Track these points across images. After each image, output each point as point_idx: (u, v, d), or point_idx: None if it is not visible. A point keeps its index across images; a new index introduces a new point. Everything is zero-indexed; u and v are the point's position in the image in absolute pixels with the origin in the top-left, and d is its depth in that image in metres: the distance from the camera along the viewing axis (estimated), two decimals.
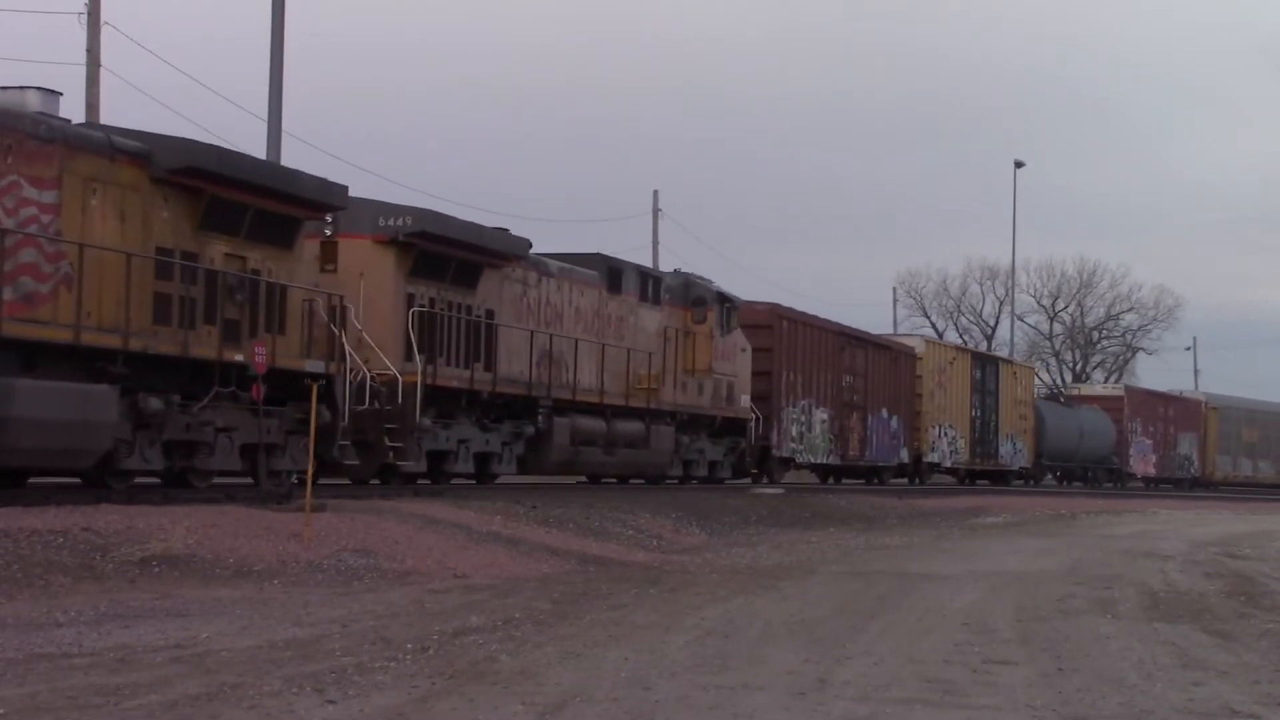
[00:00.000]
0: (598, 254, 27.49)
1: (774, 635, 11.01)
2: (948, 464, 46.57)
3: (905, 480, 44.09)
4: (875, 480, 41.46)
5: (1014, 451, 51.42)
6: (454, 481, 23.12)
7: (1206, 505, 44.68)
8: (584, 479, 28.88)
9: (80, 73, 30.42)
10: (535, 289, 24.82)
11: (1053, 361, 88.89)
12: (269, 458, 18.29)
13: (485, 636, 10.35)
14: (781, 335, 34.64)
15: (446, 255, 22.18)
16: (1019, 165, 67.18)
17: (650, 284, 28.90)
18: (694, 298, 29.98)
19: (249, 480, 18.44)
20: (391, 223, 21.18)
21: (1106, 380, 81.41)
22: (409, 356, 20.89)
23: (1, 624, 10.08)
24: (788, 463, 36.15)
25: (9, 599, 11.19)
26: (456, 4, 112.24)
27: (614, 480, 29.12)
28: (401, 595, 12.83)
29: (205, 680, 8.30)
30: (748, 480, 33.84)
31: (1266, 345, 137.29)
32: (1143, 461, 62.03)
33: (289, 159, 27.10)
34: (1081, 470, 58.14)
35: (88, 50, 30.32)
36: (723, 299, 31.03)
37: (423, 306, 21.60)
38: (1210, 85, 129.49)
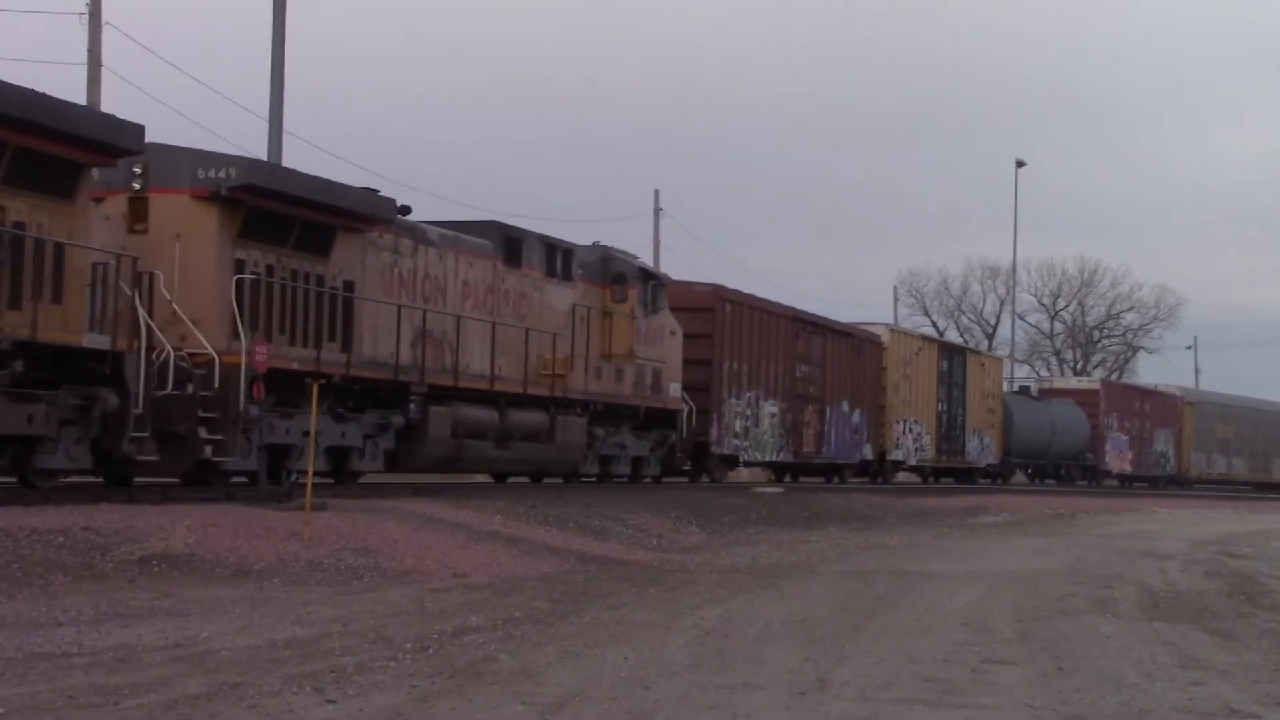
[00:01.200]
0: (493, 222, 24.38)
1: (773, 635, 11.02)
2: (913, 461, 43.86)
3: (868, 479, 41.37)
4: (836, 479, 38.94)
5: (981, 448, 48.88)
6: (299, 481, 18.43)
7: (1206, 505, 44.66)
8: (489, 478, 26.77)
9: (81, 73, 30.45)
10: (410, 259, 21.48)
11: (1054, 360, 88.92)
12: (34, 454, 15.33)
13: (485, 636, 10.36)
14: (724, 319, 31.38)
15: (287, 215, 18.94)
16: (1020, 165, 67.27)
17: (559, 257, 25.30)
18: (613, 274, 26.63)
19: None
20: (213, 174, 18.06)
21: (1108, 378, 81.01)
22: (236, 333, 17.79)
23: (1, 623, 10.09)
24: (731, 460, 32.87)
25: (9, 598, 11.19)
26: (457, 4, 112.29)
27: (526, 479, 26.69)
28: (401, 595, 12.83)
29: (205, 680, 8.30)
30: (685, 479, 31.30)
31: (1267, 345, 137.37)
32: (1119, 458, 59.69)
33: (289, 159, 27.12)
34: (1054, 467, 56.08)
35: (88, 50, 30.33)
36: (647, 276, 28.02)
37: (254, 274, 18.42)
38: (1210, 85, 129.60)
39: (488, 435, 22.89)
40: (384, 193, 21.15)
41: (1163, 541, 23.91)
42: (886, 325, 43.08)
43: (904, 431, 42.49)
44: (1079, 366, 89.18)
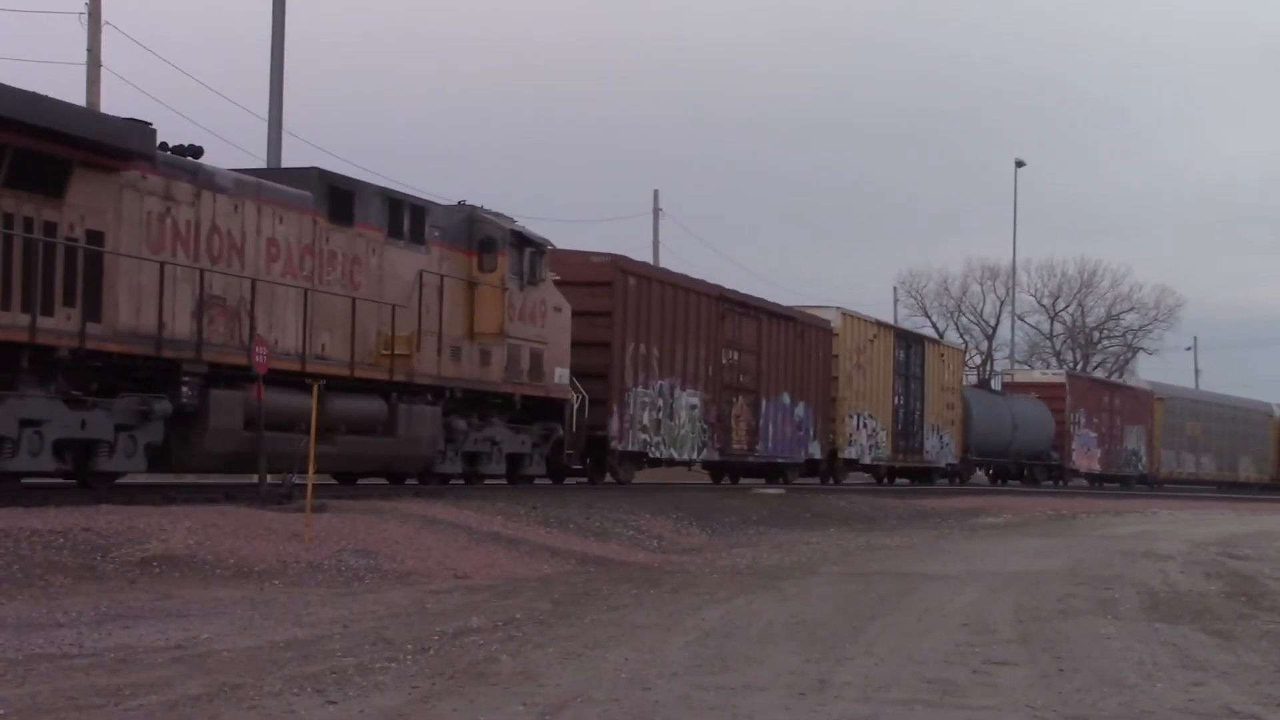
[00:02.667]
0: (313, 169, 20.08)
1: (774, 636, 11.01)
2: (867, 460, 40.00)
3: (817, 480, 38.15)
4: (780, 480, 35.66)
5: (940, 446, 45.18)
6: (26, 480, 16.35)
7: (1205, 505, 44.65)
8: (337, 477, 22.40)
9: (80, 73, 30.49)
10: (190, 208, 17.51)
11: (1054, 361, 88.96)
12: None
13: (486, 637, 10.35)
14: (626, 295, 27.21)
15: None
16: (1019, 165, 67.34)
17: (406, 215, 21.14)
18: (481, 238, 22.69)
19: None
20: None
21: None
22: None
23: (1, 624, 10.09)
24: (637, 458, 28.63)
25: (9, 599, 11.19)
26: (457, 4, 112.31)
27: (382, 479, 23.14)
28: (402, 596, 12.83)
29: (206, 681, 8.30)
30: (583, 480, 27.73)
31: (1267, 345, 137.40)
32: (1086, 456, 56.00)
33: (289, 158, 27.12)
34: (1016, 467, 52.46)
35: (88, 50, 30.35)
36: (523, 242, 23.64)
37: None
38: (1210, 85, 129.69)
39: (298, 427, 18.05)
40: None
41: (1163, 542, 23.91)
42: (838, 309, 38.59)
43: (858, 427, 39.07)
44: (1079, 368, 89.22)
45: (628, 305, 27.27)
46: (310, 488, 16.03)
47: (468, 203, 23.28)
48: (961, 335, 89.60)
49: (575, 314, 25.31)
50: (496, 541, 17.08)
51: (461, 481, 23.25)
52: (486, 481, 23.91)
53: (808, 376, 35.87)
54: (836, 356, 37.45)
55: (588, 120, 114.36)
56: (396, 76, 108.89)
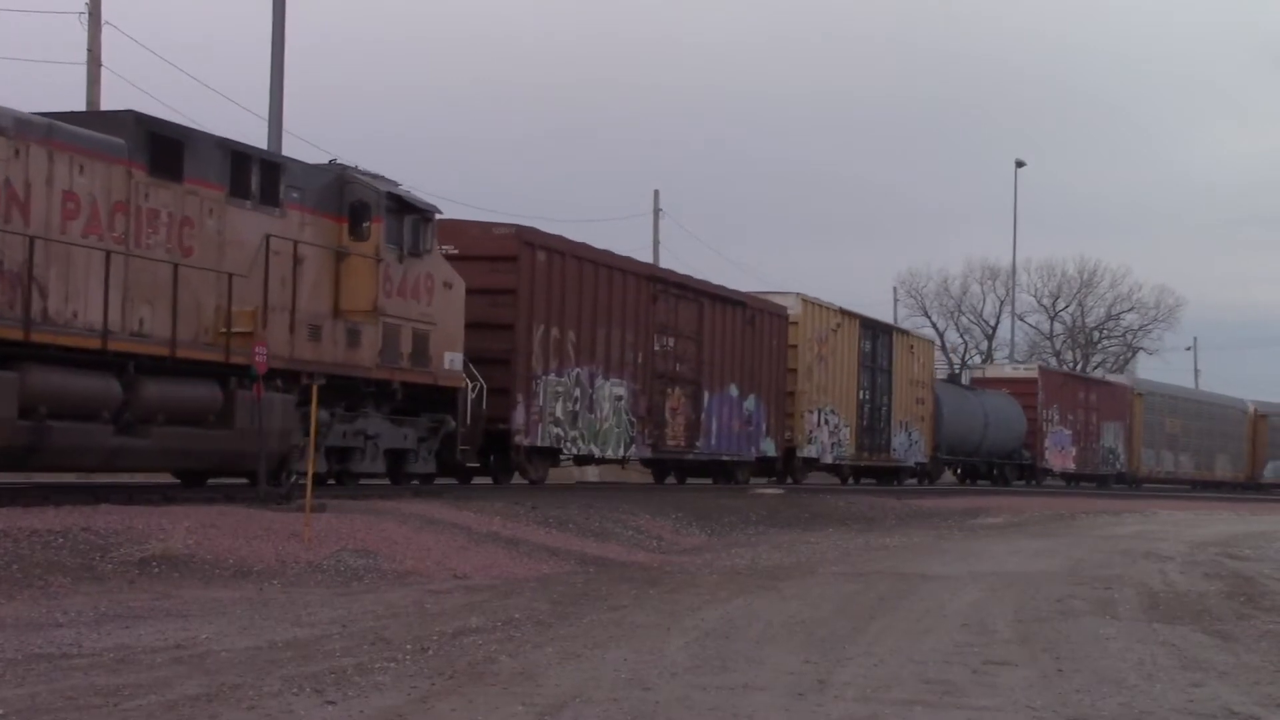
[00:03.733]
0: (129, 112, 17.14)
1: (774, 636, 11.01)
2: (829, 459, 37.28)
3: (774, 480, 35.39)
4: (732, 480, 32.76)
5: (909, 444, 42.41)
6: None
7: (1205, 506, 44.65)
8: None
9: (80, 72, 30.51)
10: None
11: (1054, 362, 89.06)
12: None
13: (485, 637, 10.35)
14: (534, 272, 24.17)
15: None
16: (1019, 165, 67.36)
17: (255, 172, 18.24)
18: (352, 202, 19.61)
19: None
20: None
21: None
22: None
23: (1, 624, 10.08)
24: (550, 454, 25.48)
25: (9, 599, 11.19)
26: (457, 4, 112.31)
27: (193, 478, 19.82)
28: (401, 596, 12.83)
29: (205, 681, 8.30)
30: (490, 481, 24.72)
31: (1267, 345, 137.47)
32: (1060, 455, 53.32)
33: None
34: (986, 466, 49.89)
35: (88, 50, 30.37)
36: (404, 208, 20.56)
37: None
38: (1210, 84, 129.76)
39: (100, 415, 15.95)
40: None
41: (1163, 543, 23.90)
42: (797, 295, 35.42)
43: (818, 423, 36.13)
44: (1079, 368, 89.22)
45: (536, 283, 24.18)
46: (310, 488, 16.04)
47: (340, 161, 20.19)
48: (961, 335, 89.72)
49: (474, 292, 22.51)
50: (496, 541, 17.07)
51: (333, 482, 20.14)
52: (362, 481, 21.00)
53: (760, 367, 32.84)
54: (795, 346, 34.53)
55: (588, 120, 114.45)
56: (396, 75, 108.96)
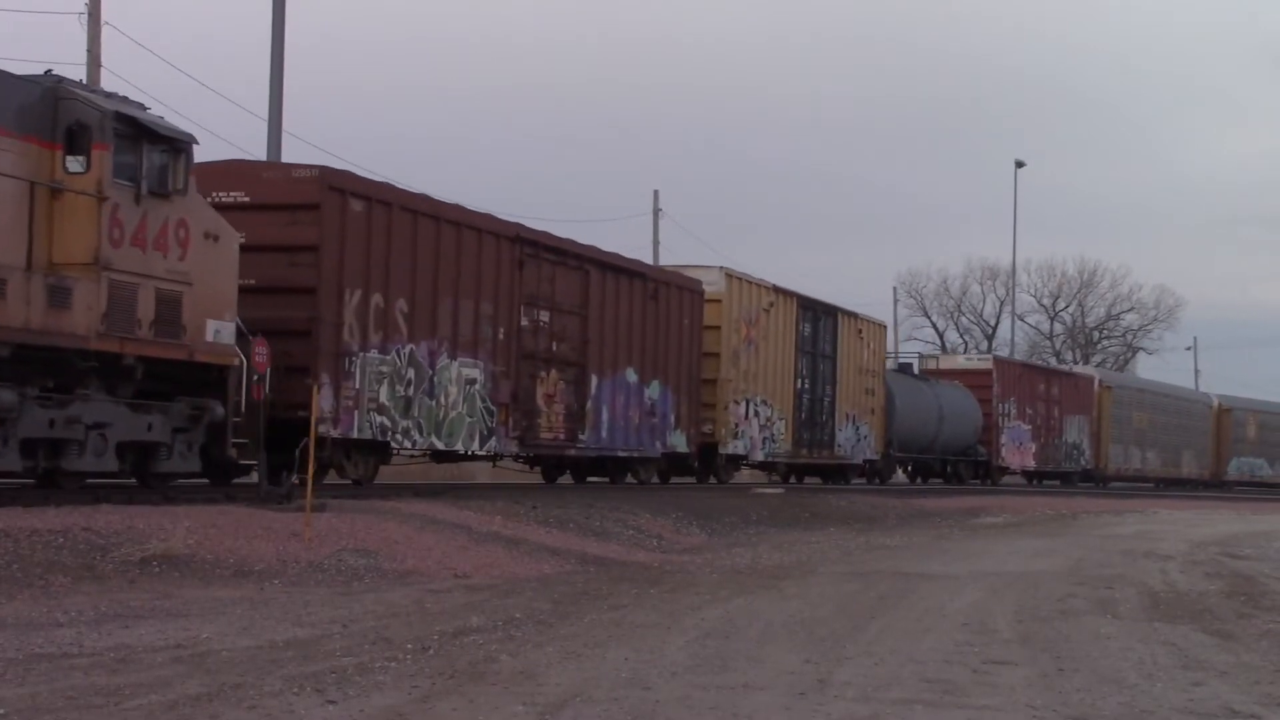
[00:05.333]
0: None
1: (774, 635, 11.01)
2: (759, 455, 33.12)
3: (694, 480, 31.66)
4: (633, 479, 28.95)
5: (857, 439, 38.47)
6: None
7: (1207, 505, 44.66)
8: None
9: (80, 73, 30.45)
10: None
11: (1054, 362, 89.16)
12: None
13: (486, 637, 10.35)
14: (346, 224, 19.69)
15: None
16: (1019, 165, 67.28)
17: None
18: (68, 124, 15.35)
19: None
20: None
21: None
22: None
23: (1, 624, 10.08)
24: (379, 449, 21.18)
25: (9, 599, 11.19)
26: (457, 4, 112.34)
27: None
28: (402, 595, 12.83)
29: (206, 680, 8.30)
30: (278, 487, 18.17)
31: (1266, 345, 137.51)
32: (1018, 452, 49.59)
33: (290, 158, 27.12)
34: (940, 464, 46.20)
35: (88, 50, 30.36)
36: (143, 134, 16.06)
37: None
38: (1210, 84, 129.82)
39: None
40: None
41: (1163, 542, 23.91)
42: (720, 268, 31.71)
43: (746, 415, 31.91)
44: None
45: (349, 237, 19.76)
46: (310, 487, 16.04)
47: (56, 73, 16.14)
48: (961, 335, 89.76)
49: (267, 249, 18.76)
50: (496, 541, 17.08)
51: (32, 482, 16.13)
52: (89, 481, 16.58)
53: (667, 349, 28.61)
54: (717, 328, 30.46)
55: (588, 120, 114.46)
56: (397, 76, 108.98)
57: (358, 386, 19.96)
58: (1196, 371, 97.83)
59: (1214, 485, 65.16)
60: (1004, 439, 48.36)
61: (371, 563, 14.54)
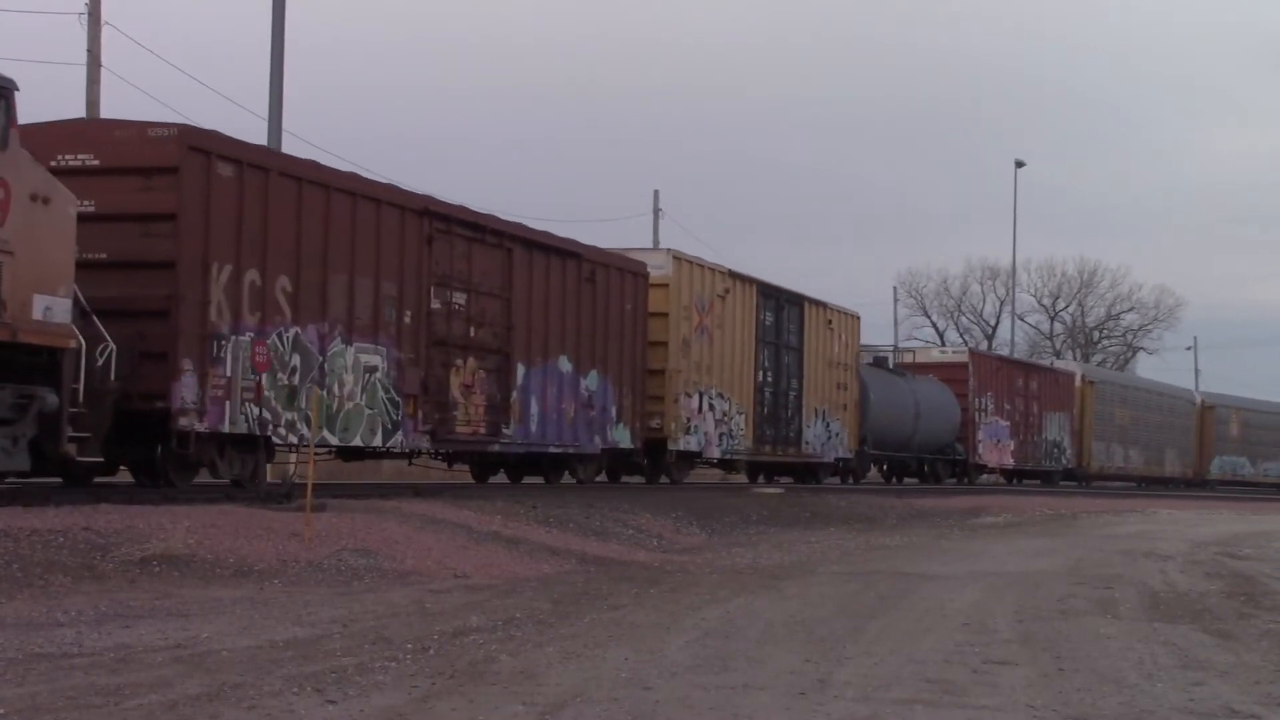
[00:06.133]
0: None
1: (774, 635, 11.01)
2: (715, 452, 30.93)
3: (643, 479, 30.08)
4: (571, 477, 27.23)
5: (828, 436, 36.55)
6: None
7: (1207, 505, 44.65)
8: None
9: (80, 73, 30.53)
10: None
11: (1054, 361, 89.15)
12: None
13: (486, 636, 10.35)
14: (211, 190, 17.54)
15: None
16: (1019, 165, 67.32)
17: None
18: None
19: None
20: None
21: None
22: None
23: (2, 624, 10.08)
24: (257, 444, 18.64)
25: (9, 599, 11.18)
26: (457, 4, 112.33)
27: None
28: (402, 595, 12.83)
29: (205, 680, 8.30)
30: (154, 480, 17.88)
31: (1266, 345, 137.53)
32: (995, 450, 47.73)
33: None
34: (917, 462, 44.49)
35: (88, 50, 30.38)
36: None
37: None
38: (1211, 85, 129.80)
39: None
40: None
41: (1163, 542, 23.90)
42: (668, 251, 29.95)
43: (700, 409, 29.88)
44: None
45: (215, 206, 17.57)
46: (310, 487, 16.04)
47: None
48: (961, 335, 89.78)
49: (119, 219, 17.04)
50: (496, 541, 17.09)
51: None
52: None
53: (607, 337, 26.61)
54: (665, 314, 28.39)
55: (588, 120, 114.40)
56: (397, 76, 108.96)
57: (229, 374, 17.74)
58: (1197, 371, 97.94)
59: (1197, 485, 64.13)
60: (981, 436, 46.67)
61: (371, 562, 14.54)
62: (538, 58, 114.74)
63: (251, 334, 18.12)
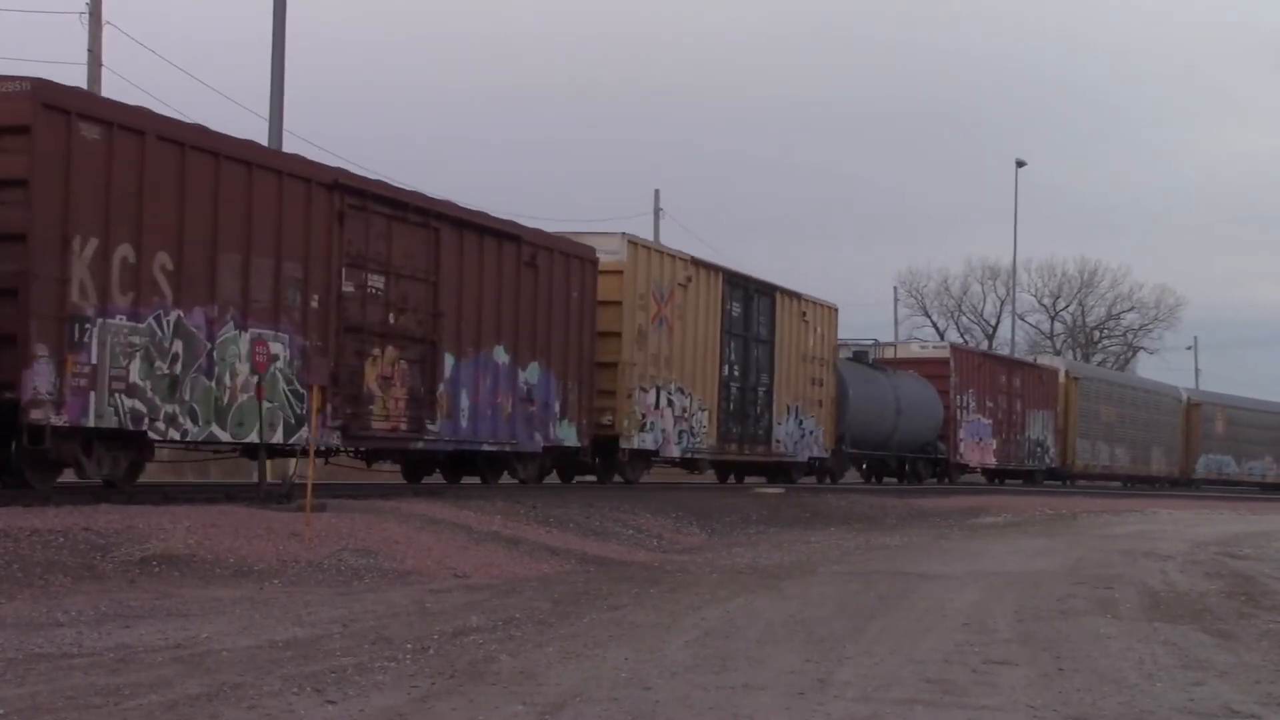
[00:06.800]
0: None
1: (774, 635, 11.01)
2: (675, 451, 28.90)
3: (595, 480, 28.08)
4: (511, 477, 25.00)
5: (801, 434, 34.60)
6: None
7: (1207, 505, 44.64)
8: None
9: (81, 72, 30.53)
10: None
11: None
12: None
13: (485, 636, 10.35)
14: (72, 154, 15.44)
15: None
16: (1020, 165, 67.28)
17: None
18: None
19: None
20: None
21: None
22: None
23: (1, 624, 10.08)
24: (134, 442, 16.75)
25: (9, 599, 11.19)
26: (457, 4, 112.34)
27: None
28: (402, 595, 12.83)
29: (205, 680, 8.30)
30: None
31: (1266, 345, 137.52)
32: (977, 448, 46.19)
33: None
34: (897, 461, 42.91)
35: (88, 50, 30.40)
36: None
37: None
38: (1210, 84, 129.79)
39: None
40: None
41: (1163, 542, 23.90)
42: (623, 235, 27.28)
43: (657, 405, 27.86)
44: None
45: (77, 171, 15.52)
46: (310, 487, 16.04)
47: None
48: (962, 335, 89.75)
49: None
50: (496, 541, 17.08)
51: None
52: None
53: (550, 326, 24.60)
54: (618, 303, 26.40)
55: (588, 120, 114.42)
56: (397, 76, 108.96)
57: (94, 361, 15.71)
58: (1197, 371, 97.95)
59: (1183, 484, 63.37)
60: (963, 434, 45.08)
61: (371, 562, 14.54)
62: (538, 58, 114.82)
63: (124, 316, 16.07)
